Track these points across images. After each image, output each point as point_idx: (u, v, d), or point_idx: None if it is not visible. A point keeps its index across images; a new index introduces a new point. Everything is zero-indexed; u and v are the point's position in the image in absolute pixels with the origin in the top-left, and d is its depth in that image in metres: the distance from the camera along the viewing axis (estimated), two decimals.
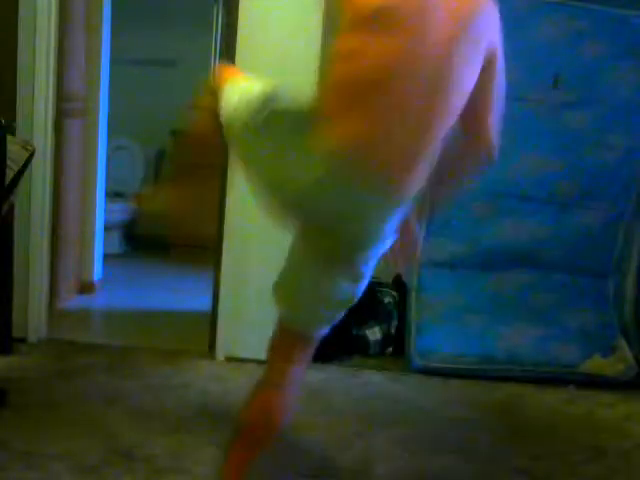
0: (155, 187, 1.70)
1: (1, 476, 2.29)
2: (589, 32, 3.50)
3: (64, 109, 3.77)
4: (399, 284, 3.83)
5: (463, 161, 1.80)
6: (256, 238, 3.43)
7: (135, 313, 4.24)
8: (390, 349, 3.75)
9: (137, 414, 2.82)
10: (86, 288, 4.38)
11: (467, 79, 1.61)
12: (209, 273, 3.69)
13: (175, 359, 3.46)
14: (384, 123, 1.56)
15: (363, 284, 1.77)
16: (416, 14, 1.55)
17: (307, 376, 3.36)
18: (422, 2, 1.57)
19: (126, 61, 5.41)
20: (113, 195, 5.34)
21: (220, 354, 3.50)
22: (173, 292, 4.69)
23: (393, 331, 3.76)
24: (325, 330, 1.83)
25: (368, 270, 1.75)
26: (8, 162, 2.81)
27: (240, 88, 1.82)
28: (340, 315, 1.82)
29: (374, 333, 3.74)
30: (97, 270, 4.48)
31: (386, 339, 3.75)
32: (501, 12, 1.67)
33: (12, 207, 3.18)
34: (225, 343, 3.50)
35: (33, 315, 3.47)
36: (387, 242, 1.74)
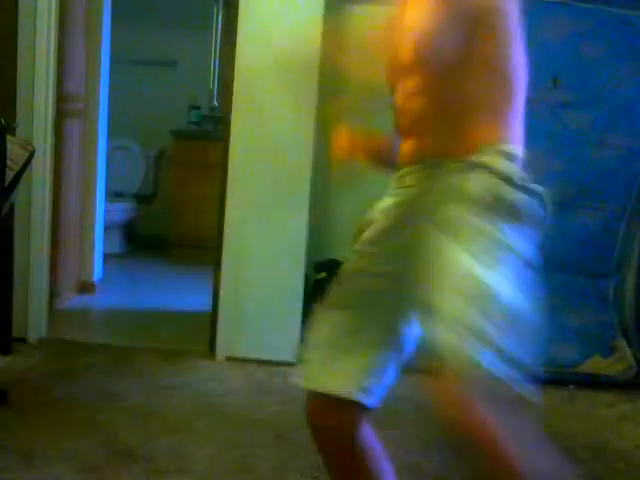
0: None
1: (1, 476, 2.29)
2: (589, 32, 3.50)
3: (64, 109, 3.77)
4: None
5: None
6: (256, 238, 3.43)
7: (135, 313, 4.24)
8: None
9: (137, 414, 2.82)
10: (86, 288, 4.38)
11: None
12: (209, 273, 3.69)
13: (175, 359, 3.46)
14: None
15: None
16: None
17: None
18: None
19: (126, 61, 5.41)
20: (113, 195, 5.35)
21: (220, 354, 3.50)
22: (173, 292, 4.69)
23: None
24: None
25: None
26: (8, 162, 2.81)
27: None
28: None
29: None
30: (97, 270, 4.48)
31: None
32: None
33: (12, 207, 3.18)
34: (225, 343, 3.50)
35: (33, 315, 3.48)
36: None
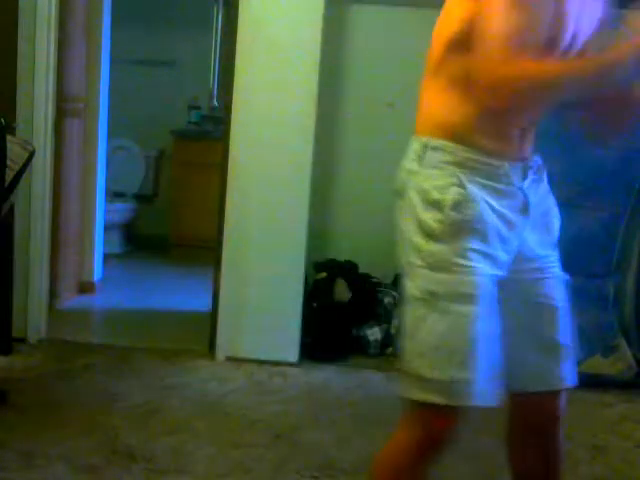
0: None
1: (1, 476, 2.29)
2: None
3: (64, 109, 3.77)
4: (399, 284, 3.82)
5: None
6: (256, 238, 3.43)
7: (135, 313, 4.23)
8: (390, 349, 3.75)
9: (137, 414, 2.82)
10: (86, 288, 4.38)
11: None
12: (209, 273, 3.69)
13: (175, 359, 3.46)
14: None
15: None
16: None
17: (307, 376, 3.38)
18: None
19: (126, 61, 5.41)
20: (113, 195, 5.35)
21: (220, 354, 3.50)
22: (173, 292, 4.69)
23: (393, 331, 3.76)
24: None
25: None
26: (8, 162, 2.81)
27: None
28: None
29: (374, 333, 3.74)
30: (97, 270, 4.48)
31: (386, 339, 3.75)
32: None
33: (12, 207, 3.18)
34: (225, 343, 3.50)
35: (33, 315, 3.48)
36: None
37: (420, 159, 1.49)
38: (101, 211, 4.46)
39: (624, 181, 3.64)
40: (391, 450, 1.59)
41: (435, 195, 1.45)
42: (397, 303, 3.79)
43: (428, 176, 1.47)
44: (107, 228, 4.68)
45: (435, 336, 1.45)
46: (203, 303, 3.81)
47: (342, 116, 3.93)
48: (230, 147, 3.43)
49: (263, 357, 3.47)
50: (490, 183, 1.48)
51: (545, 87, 1.38)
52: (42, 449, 2.46)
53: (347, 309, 3.74)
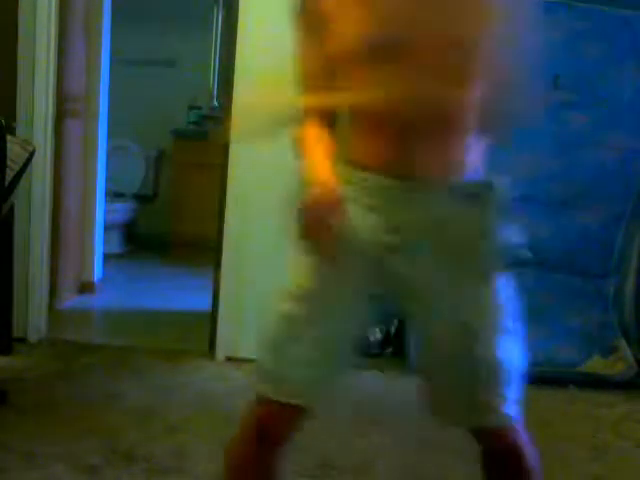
0: None
1: (1, 476, 2.29)
2: (589, 32, 3.50)
3: (64, 109, 3.77)
4: None
5: None
6: (256, 238, 3.43)
7: (135, 313, 4.24)
8: (390, 349, 3.75)
9: (137, 414, 2.82)
10: (86, 288, 4.38)
11: None
12: (209, 273, 3.69)
13: (175, 359, 3.46)
14: None
15: None
16: None
17: None
18: None
19: (126, 61, 5.41)
20: (113, 195, 5.35)
21: (220, 354, 3.50)
22: (173, 292, 4.69)
23: (393, 331, 3.76)
24: None
25: None
26: (8, 162, 2.81)
27: None
28: None
29: (374, 333, 3.74)
30: (97, 270, 4.48)
31: (386, 339, 3.75)
32: None
33: (12, 207, 3.18)
34: (225, 343, 3.50)
35: (33, 315, 3.48)
36: None
37: None
38: (101, 211, 4.46)
39: (624, 181, 3.64)
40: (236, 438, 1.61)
41: None
42: None
43: None
44: (107, 228, 4.69)
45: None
46: (203, 303, 3.81)
47: None
48: (230, 147, 3.43)
49: None
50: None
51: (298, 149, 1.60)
52: (42, 449, 2.46)
53: None
